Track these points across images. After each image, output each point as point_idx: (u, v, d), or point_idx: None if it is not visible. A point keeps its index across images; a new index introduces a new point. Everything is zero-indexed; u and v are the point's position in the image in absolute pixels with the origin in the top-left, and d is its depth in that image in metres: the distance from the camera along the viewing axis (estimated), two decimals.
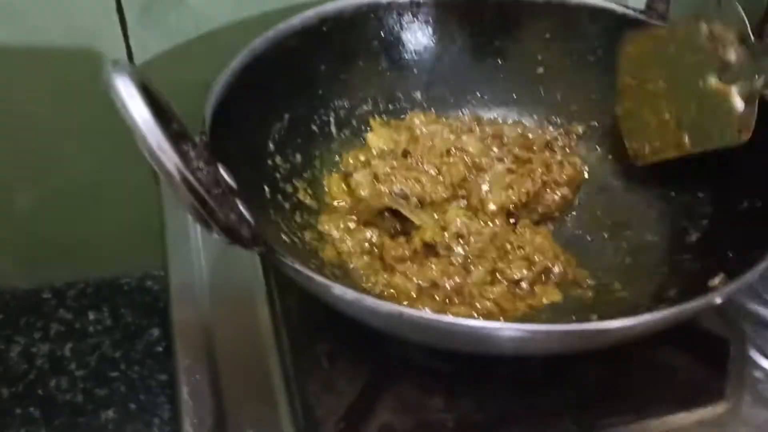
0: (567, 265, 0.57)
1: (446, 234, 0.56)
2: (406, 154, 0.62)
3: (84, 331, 0.85)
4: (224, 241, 0.42)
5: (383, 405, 0.52)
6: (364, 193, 0.59)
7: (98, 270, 0.88)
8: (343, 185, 0.61)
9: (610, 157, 0.66)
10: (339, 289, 0.41)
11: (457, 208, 0.58)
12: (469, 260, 0.56)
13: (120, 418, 0.79)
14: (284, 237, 0.53)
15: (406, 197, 0.58)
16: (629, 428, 0.52)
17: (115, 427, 0.78)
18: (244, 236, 0.43)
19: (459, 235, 0.56)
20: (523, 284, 0.55)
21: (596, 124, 0.67)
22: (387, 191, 0.58)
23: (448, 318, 0.40)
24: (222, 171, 0.48)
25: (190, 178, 0.38)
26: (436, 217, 0.58)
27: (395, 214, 0.57)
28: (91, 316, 0.87)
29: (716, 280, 0.47)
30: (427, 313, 0.40)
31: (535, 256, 0.56)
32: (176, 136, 0.46)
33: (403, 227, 0.57)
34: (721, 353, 0.55)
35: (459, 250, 0.56)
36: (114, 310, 0.87)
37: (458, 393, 0.53)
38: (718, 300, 0.42)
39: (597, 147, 0.67)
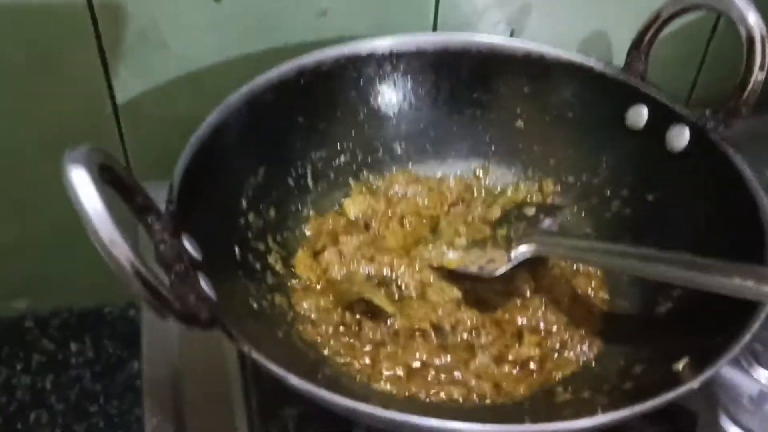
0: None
1: (433, 318, 0.56)
2: (367, 227, 0.62)
3: (66, 362, 0.86)
4: (184, 327, 0.42)
5: None
6: (335, 273, 0.59)
7: (82, 299, 0.88)
8: (312, 262, 0.60)
9: (583, 215, 0.65)
10: (295, 380, 0.40)
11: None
12: (465, 342, 0.56)
13: None
14: (252, 302, 0.53)
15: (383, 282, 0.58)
16: None
17: None
18: (202, 319, 0.43)
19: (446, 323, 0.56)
20: (531, 364, 0.55)
21: (572, 180, 0.66)
22: (359, 274, 0.58)
23: (408, 417, 0.40)
24: (186, 242, 0.48)
25: (143, 271, 0.38)
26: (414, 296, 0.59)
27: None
28: (74, 347, 0.87)
29: (680, 364, 0.47)
30: (388, 413, 0.40)
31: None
32: (140, 208, 0.46)
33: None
34: (691, 425, 0.55)
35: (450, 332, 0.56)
36: (96, 340, 0.87)
37: None
38: (673, 395, 0.41)
39: (573, 203, 0.66)
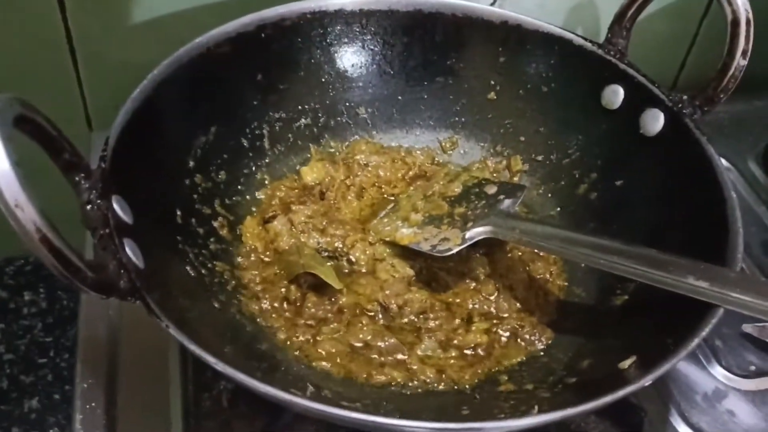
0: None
1: (381, 297, 0.54)
2: (322, 196, 0.59)
3: (18, 311, 0.83)
4: (97, 297, 0.39)
5: None
6: (283, 243, 0.56)
7: None
8: (261, 230, 0.58)
9: (550, 196, 0.63)
10: (219, 366, 0.38)
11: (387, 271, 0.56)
12: (411, 325, 0.54)
13: (43, 408, 0.77)
14: (189, 269, 0.51)
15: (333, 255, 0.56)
16: None
17: (36, 417, 0.77)
18: (120, 289, 0.40)
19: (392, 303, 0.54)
20: (480, 351, 0.53)
21: (541, 158, 0.63)
22: (309, 245, 0.56)
23: (331, 409, 0.38)
24: (116, 205, 0.45)
25: (51, 237, 0.35)
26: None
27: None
28: (27, 296, 0.85)
29: (627, 363, 0.45)
30: (322, 406, 0.37)
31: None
32: (67, 166, 0.43)
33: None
34: (637, 421, 0.53)
35: (397, 313, 0.54)
36: (50, 291, 0.85)
37: None
38: (613, 398, 0.39)
39: (539, 183, 0.63)
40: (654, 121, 0.57)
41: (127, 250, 0.43)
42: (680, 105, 0.55)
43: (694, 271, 0.44)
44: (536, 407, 0.42)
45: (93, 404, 0.52)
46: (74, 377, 0.55)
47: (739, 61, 0.52)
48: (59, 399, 0.78)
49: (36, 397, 0.78)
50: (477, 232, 0.56)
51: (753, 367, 0.59)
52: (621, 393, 0.39)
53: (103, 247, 0.42)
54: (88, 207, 0.43)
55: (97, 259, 0.41)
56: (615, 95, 0.59)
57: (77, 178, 0.44)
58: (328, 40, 0.62)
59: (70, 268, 0.36)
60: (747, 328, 0.60)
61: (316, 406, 0.37)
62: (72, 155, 0.43)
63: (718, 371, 0.59)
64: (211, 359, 0.38)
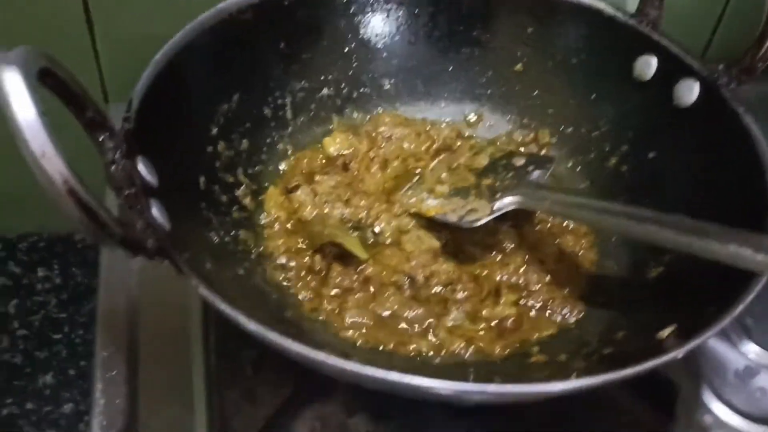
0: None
1: (407, 268, 0.53)
2: (346, 167, 0.58)
3: (31, 287, 0.83)
4: (124, 254, 0.38)
5: (303, 422, 0.49)
6: (307, 213, 0.55)
7: (53, 224, 0.84)
8: (284, 199, 0.57)
9: (579, 169, 0.61)
10: (243, 320, 0.37)
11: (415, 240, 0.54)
12: (439, 296, 0.53)
13: (57, 384, 0.77)
14: (213, 236, 0.50)
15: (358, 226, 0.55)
16: None
17: (51, 393, 0.76)
18: (148, 247, 0.39)
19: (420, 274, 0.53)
20: (509, 323, 0.51)
21: (569, 131, 0.62)
22: (333, 216, 0.55)
23: (372, 371, 0.36)
24: (141, 165, 0.44)
25: (78, 189, 0.34)
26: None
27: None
28: (41, 272, 0.84)
29: (666, 332, 0.44)
30: (349, 364, 0.36)
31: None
32: (91, 124, 0.42)
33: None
34: (671, 396, 0.52)
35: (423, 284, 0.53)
36: (64, 267, 0.84)
37: (386, 416, 0.50)
38: (654, 364, 0.38)
39: (568, 157, 0.62)
40: (688, 92, 0.55)
41: (154, 210, 0.42)
42: (716, 75, 0.54)
43: (735, 238, 0.43)
44: (575, 374, 0.41)
45: (114, 372, 0.52)
46: (93, 353, 0.54)
47: None
48: (74, 375, 0.77)
49: (50, 372, 0.77)
50: (506, 203, 0.54)
51: None
52: (662, 359, 0.38)
53: (129, 206, 0.41)
54: (113, 167, 0.42)
55: (124, 217, 0.40)
56: (648, 66, 0.58)
57: (101, 138, 0.43)
58: (352, 10, 0.61)
59: (98, 222, 0.35)
60: None
61: (350, 367, 0.36)
62: (96, 113, 0.42)
63: (750, 348, 0.57)
64: (242, 318, 0.37)
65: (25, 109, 0.33)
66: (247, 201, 0.55)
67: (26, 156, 0.34)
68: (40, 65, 0.36)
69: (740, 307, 0.40)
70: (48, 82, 0.38)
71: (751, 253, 0.42)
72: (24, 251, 0.85)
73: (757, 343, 0.57)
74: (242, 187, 0.55)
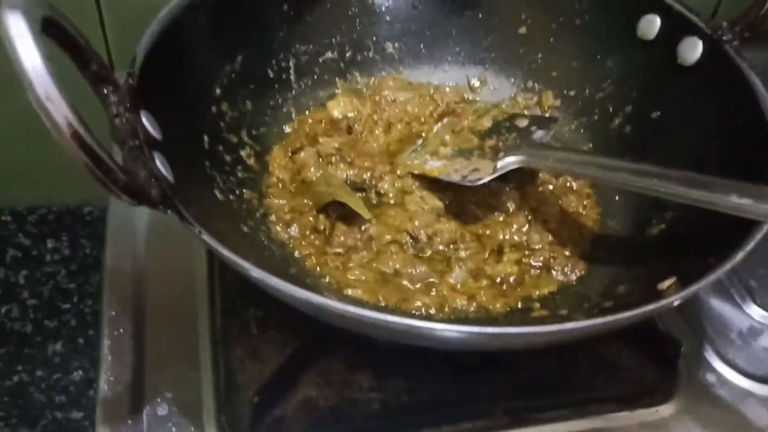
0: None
1: (410, 227, 0.53)
2: (350, 130, 0.58)
3: (41, 258, 0.83)
4: (128, 202, 0.39)
5: (307, 378, 0.50)
6: (310, 174, 0.55)
7: (62, 196, 0.85)
8: (288, 160, 0.57)
9: (582, 131, 0.61)
10: (246, 266, 0.37)
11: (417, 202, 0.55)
12: (442, 254, 0.53)
13: (66, 352, 0.77)
14: (217, 193, 0.50)
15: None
16: (565, 424, 0.49)
17: (60, 361, 0.77)
18: (152, 196, 0.39)
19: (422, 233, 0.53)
20: (510, 280, 0.52)
21: (573, 93, 0.62)
22: (337, 177, 0.55)
23: (373, 314, 0.37)
24: (145, 119, 0.44)
25: (82, 132, 0.34)
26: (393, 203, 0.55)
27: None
28: (50, 244, 0.85)
29: (666, 284, 0.44)
30: (351, 308, 0.36)
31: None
32: (95, 77, 0.43)
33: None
34: (673, 353, 0.52)
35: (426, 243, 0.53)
36: (73, 239, 0.85)
37: (387, 372, 0.50)
38: (651, 310, 0.38)
39: (572, 119, 0.62)
40: (692, 50, 0.55)
41: (157, 162, 0.42)
42: (719, 32, 0.54)
43: (737, 189, 0.43)
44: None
45: (121, 330, 0.52)
46: (101, 305, 0.54)
47: None
48: (83, 343, 0.78)
49: (60, 341, 0.78)
50: (509, 162, 0.54)
51: None
52: (661, 303, 0.38)
53: (133, 158, 0.41)
54: (117, 120, 0.42)
55: (128, 166, 0.40)
56: (651, 25, 0.57)
57: (105, 91, 0.43)
58: None
59: (102, 167, 0.36)
60: None
61: (356, 311, 0.36)
62: (100, 67, 0.42)
63: (754, 310, 0.58)
64: (245, 264, 0.37)
65: (30, 53, 0.33)
66: (251, 162, 0.55)
67: (31, 99, 0.34)
68: (44, 13, 0.36)
69: (740, 255, 0.40)
70: (51, 32, 0.38)
71: (752, 203, 0.42)
72: (33, 223, 0.85)
73: (761, 306, 0.57)
74: (246, 148, 0.55)
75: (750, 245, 0.41)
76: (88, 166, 0.35)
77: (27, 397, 0.74)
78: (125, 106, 0.43)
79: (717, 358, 0.54)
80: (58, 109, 0.34)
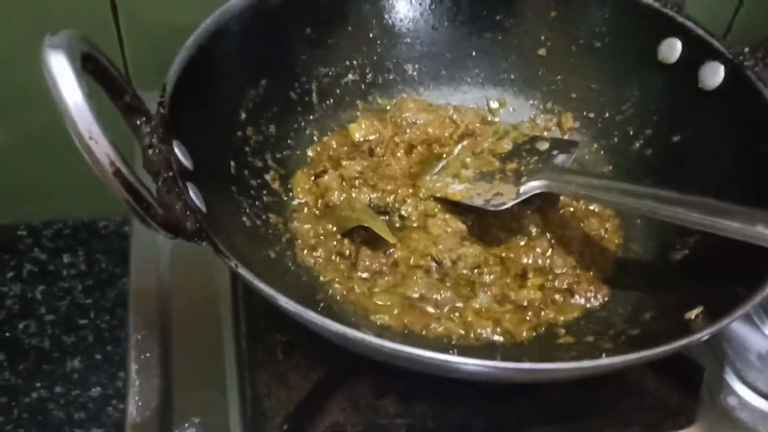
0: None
1: (434, 252, 0.53)
2: (371, 152, 0.58)
3: (57, 273, 0.84)
4: (166, 236, 0.39)
5: (334, 404, 0.50)
6: (334, 198, 0.56)
7: (77, 210, 0.85)
8: (312, 184, 0.57)
9: (602, 153, 0.61)
10: (283, 300, 0.38)
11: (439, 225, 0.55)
12: (466, 279, 0.53)
13: (85, 368, 0.78)
14: (245, 219, 0.50)
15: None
16: None
17: (79, 377, 0.77)
18: (187, 230, 0.40)
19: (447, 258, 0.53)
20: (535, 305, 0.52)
21: (593, 115, 0.62)
22: (360, 200, 0.56)
23: (410, 350, 0.37)
24: (177, 149, 0.45)
25: (124, 170, 0.35)
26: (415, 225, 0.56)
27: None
28: (66, 259, 0.85)
29: (693, 313, 0.44)
30: (377, 341, 0.37)
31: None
32: (128, 109, 0.43)
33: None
34: (695, 378, 0.52)
35: (450, 267, 0.54)
36: (89, 254, 0.85)
37: (414, 397, 0.50)
38: (683, 344, 0.39)
39: (591, 141, 0.62)
40: (713, 75, 0.55)
41: (191, 193, 0.42)
42: (741, 57, 0.54)
43: (763, 219, 0.43)
44: (604, 354, 0.41)
45: (148, 355, 0.52)
46: (120, 331, 0.55)
47: None
48: (100, 359, 0.78)
49: (78, 357, 0.78)
50: (532, 186, 0.55)
51: None
52: (692, 339, 0.39)
53: (167, 190, 0.42)
54: (150, 151, 0.43)
55: (163, 200, 0.41)
56: (672, 49, 0.58)
57: (138, 122, 0.43)
58: None
59: (142, 204, 0.36)
60: None
61: (386, 345, 0.36)
62: (133, 98, 0.43)
63: None
64: (282, 298, 0.38)
65: (72, 92, 0.34)
66: (276, 185, 0.55)
67: (74, 137, 0.34)
68: (83, 49, 0.37)
69: None
70: (89, 67, 0.39)
71: None
72: (49, 238, 0.86)
73: None
74: (271, 172, 0.56)
75: None
76: (128, 203, 0.36)
77: (46, 414, 0.74)
78: (158, 137, 0.43)
79: (738, 380, 0.55)
80: (101, 147, 0.34)
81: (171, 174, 0.42)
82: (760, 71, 0.54)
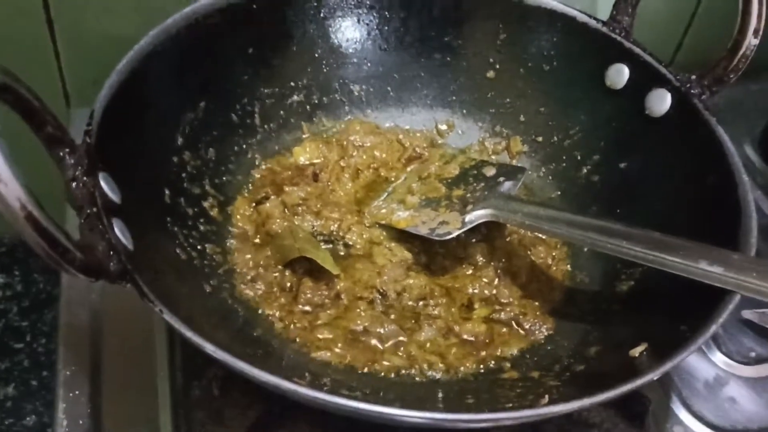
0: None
1: (379, 283, 0.52)
2: (316, 177, 0.57)
3: None
4: (85, 280, 0.37)
5: None
6: (276, 226, 0.54)
7: (13, 229, 0.82)
8: (253, 211, 0.55)
9: (551, 178, 0.61)
10: (210, 349, 0.36)
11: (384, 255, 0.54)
12: (411, 310, 0.52)
13: (19, 395, 0.75)
14: (180, 252, 0.48)
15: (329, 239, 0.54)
16: None
17: (13, 404, 0.74)
18: (110, 271, 0.37)
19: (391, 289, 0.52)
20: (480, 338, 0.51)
21: (541, 140, 0.61)
22: (304, 228, 0.54)
23: (337, 399, 0.36)
24: (103, 182, 0.42)
25: (36, 215, 0.32)
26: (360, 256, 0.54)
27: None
28: (1, 279, 0.81)
29: (638, 350, 0.44)
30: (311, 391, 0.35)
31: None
32: (50, 140, 0.41)
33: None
34: (642, 408, 0.52)
35: (395, 299, 0.52)
36: (26, 274, 0.82)
37: None
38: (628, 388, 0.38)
39: (540, 165, 0.62)
40: (660, 102, 0.55)
41: (116, 230, 0.40)
42: (688, 85, 0.54)
43: (706, 255, 0.43)
44: (546, 397, 0.40)
45: (77, 392, 0.50)
46: (56, 363, 0.52)
47: (751, 40, 0.50)
48: (36, 385, 0.75)
49: (12, 383, 0.75)
50: (477, 215, 0.54)
51: (753, 354, 0.58)
52: (636, 383, 0.38)
53: (90, 227, 0.39)
54: (74, 184, 0.41)
55: (85, 239, 0.38)
56: (620, 75, 0.57)
57: (61, 153, 0.41)
58: (322, 14, 0.60)
59: (58, 249, 0.34)
60: (747, 314, 0.59)
61: (319, 396, 0.35)
62: (56, 129, 0.40)
63: (719, 358, 0.58)
64: (209, 346, 0.36)
65: None
66: (214, 213, 0.53)
67: None
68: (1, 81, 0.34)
69: (714, 327, 0.40)
70: (6, 98, 0.36)
71: (722, 271, 0.42)
72: None
73: (726, 353, 0.58)
74: (209, 199, 0.53)
75: (723, 317, 0.41)
76: (42, 249, 0.34)
77: None
78: (82, 169, 0.41)
79: (684, 409, 0.55)
80: (12, 191, 0.32)
81: (95, 209, 0.40)
82: (707, 99, 0.54)
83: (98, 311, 0.54)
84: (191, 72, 0.54)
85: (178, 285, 0.45)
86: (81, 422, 0.49)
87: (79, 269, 0.35)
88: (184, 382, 0.50)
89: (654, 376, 0.38)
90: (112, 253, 0.39)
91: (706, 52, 0.55)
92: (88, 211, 0.40)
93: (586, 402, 0.36)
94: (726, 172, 0.49)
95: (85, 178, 0.41)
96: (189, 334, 0.36)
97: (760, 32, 0.51)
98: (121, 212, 0.42)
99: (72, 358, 0.52)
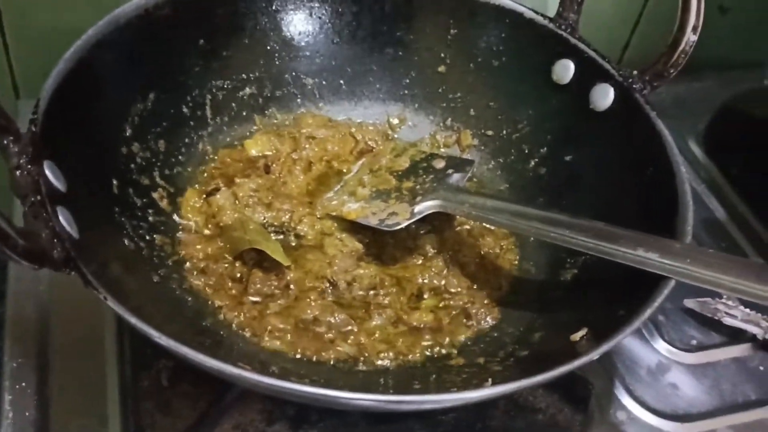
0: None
1: (329, 273, 0.52)
2: (268, 169, 0.57)
3: None
4: (29, 267, 0.36)
5: None
6: (226, 218, 0.54)
7: None
8: (203, 203, 0.55)
9: (500, 172, 0.62)
10: (155, 335, 0.36)
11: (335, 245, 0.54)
12: (361, 300, 0.53)
13: None
14: (126, 242, 0.48)
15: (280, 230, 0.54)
16: None
17: None
18: (54, 259, 0.37)
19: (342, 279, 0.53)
20: (428, 326, 0.52)
21: (491, 133, 0.63)
22: (255, 220, 0.54)
23: (281, 383, 0.36)
24: (48, 171, 0.42)
25: None
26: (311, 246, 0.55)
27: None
28: None
29: (578, 335, 0.45)
30: (256, 376, 0.36)
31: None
32: None
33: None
34: (585, 393, 0.53)
35: (346, 289, 0.53)
36: None
37: (305, 423, 0.49)
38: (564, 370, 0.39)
39: (489, 158, 0.63)
40: (604, 96, 0.56)
41: (61, 218, 0.40)
42: (630, 80, 0.55)
43: (643, 243, 0.44)
44: (490, 380, 0.41)
45: (23, 384, 0.49)
46: (1, 356, 0.51)
47: (690, 36, 0.52)
48: None
49: None
50: (426, 206, 0.55)
51: (694, 341, 0.60)
52: (574, 364, 0.39)
53: (35, 215, 0.39)
54: (18, 172, 0.40)
55: (28, 227, 0.38)
56: (565, 70, 0.59)
57: (5, 141, 0.41)
58: (274, 7, 0.60)
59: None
60: (689, 303, 0.61)
61: (266, 380, 0.35)
62: (0, 117, 0.40)
63: (661, 345, 0.60)
64: (153, 332, 0.36)
65: None
66: (164, 204, 0.53)
67: None
68: None
69: (648, 311, 0.41)
70: None
71: (658, 258, 0.44)
72: None
73: (668, 341, 0.59)
74: (159, 190, 0.53)
75: (657, 301, 0.42)
76: None
77: None
78: (27, 157, 0.41)
79: (627, 395, 0.56)
80: None
81: (39, 198, 0.39)
82: (648, 94, 0.55)
83: (46, 303, 0.54)
84: (140, 63, 0.53)
85: (126, 275, 0.45)
86: (27, 414, 0.48)
87: (21, 255, 0.35)
88: (132, 374, 0.50)
89: (591, 357, 0.40)
90: (56, 240, 0.38)
91: (653, 51, 0.56)
92: (33, 199, 0.39)
93: (524, 383, 0.37)
94: (664, 163, 0.50)
95: (29, 167, 0.40)
96: (134, 320, 0.36)
97: (699, 29, 0.52)
98: (67, 201, 0.42)
99: (18, 350, 0.51)
